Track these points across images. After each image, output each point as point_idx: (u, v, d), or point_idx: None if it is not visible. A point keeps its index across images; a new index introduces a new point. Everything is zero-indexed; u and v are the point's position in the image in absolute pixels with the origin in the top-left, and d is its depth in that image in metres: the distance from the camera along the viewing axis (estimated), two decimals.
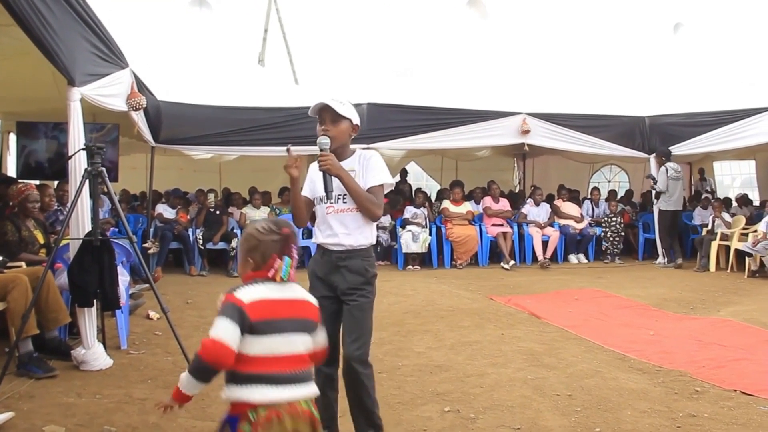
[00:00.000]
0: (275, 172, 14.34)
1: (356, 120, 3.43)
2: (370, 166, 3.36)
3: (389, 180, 3.38)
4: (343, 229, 3.34)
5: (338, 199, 3.34)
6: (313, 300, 2.52)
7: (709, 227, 11.35)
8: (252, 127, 10.15)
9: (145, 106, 7.49)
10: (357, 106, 10.50)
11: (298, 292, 2.45)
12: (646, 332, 6.24)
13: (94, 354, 4.91)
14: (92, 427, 3.75)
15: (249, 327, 2.25)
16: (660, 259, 11.41)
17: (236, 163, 13.60)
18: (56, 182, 8.49)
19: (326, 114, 3.35)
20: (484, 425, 3.83)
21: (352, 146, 3.46)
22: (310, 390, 2.34)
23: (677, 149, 11.49)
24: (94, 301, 4.95)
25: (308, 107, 3.50)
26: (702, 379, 4.69)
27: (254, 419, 2.21)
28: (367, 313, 3.34)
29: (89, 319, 4.95)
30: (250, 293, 2.32)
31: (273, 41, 17.98)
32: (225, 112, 10.08)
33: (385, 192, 3.41)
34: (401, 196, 12.46)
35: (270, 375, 2.26)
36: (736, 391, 4.42)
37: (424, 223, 11.06)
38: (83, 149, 4.86)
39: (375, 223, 3.44)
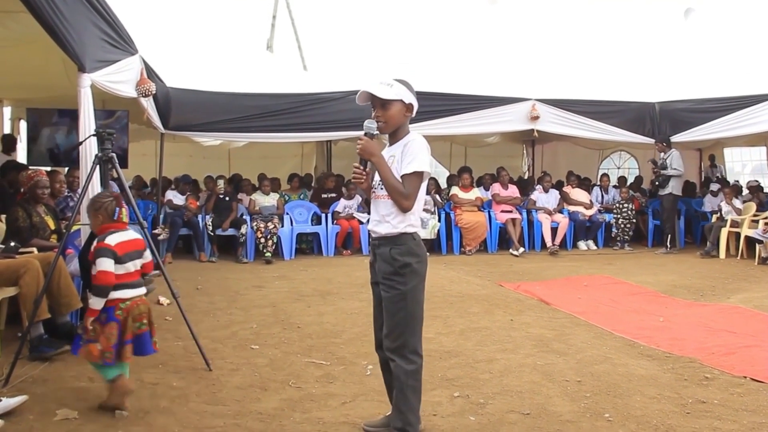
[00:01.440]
0: (284, 158, 14.42)
1: (408, 99, 3.26)
2: (406, 152, 3.19)
3: (422, 168, 3.16)
4: (376, 216, 3.31)
5: (379, 184, 3.28)
6: (140, 235, 4.11)
7: (719, 214, 11.28)
8: (261, 113, 10.15)
9: (154, 92, 7.50)
10: None
11: (133, 234, 3.98)
12: (655, 319, 6.24)
13: None
14: (104, 410, 3.78)
15: (118, 259, 3.76)
16: (664, 248, 11.35)
17: (245, 149, 13.61)
18: (66, 168, 8.52)
19: (375, 99, 3.23)
20: (493, 410, 3.84)
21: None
22: (144, 289, 3.96)
23: (687, 135, 11.45)
24: None
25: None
26: (712, 366, 4.68)
27: (124, 306, 3.75)
28: (397, 306, 3.21)
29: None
30: (113, 239, 3.80)
31: (281, 27, 17.96)
32: (234, 99, 10.08)
33: (425, 180, 3.24)
34: None
35: (129, 283, 3.82)
36: (746, 377, 4.41)
37: (433, 210, 11.05)
38: (94, 135, 4.88)
39: (410, 212, 3.22)
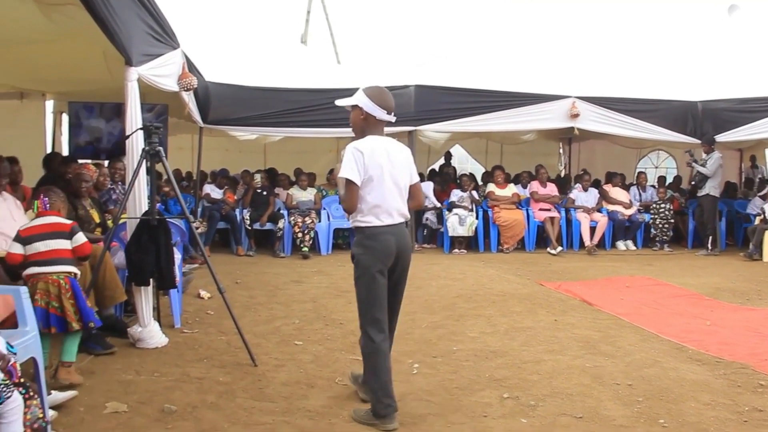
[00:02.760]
0: (319, 153, 14.41)
1: (361, 103, 3.58)
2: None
3: (342, 174, 3.47)
4: None
5: None
6: (66, 221, 4.35)
7: (763, 216, 11.02)
8: (297, 108, 10.15)
9: (195, 86, 7.52)
10: (404, 88, 10.34)
11: (52, 219, 4.29)
12: (701, 322, 6.10)
13: (150, 332, 4.96)
14: (153, 404, 3.78)
15: (23, 240, 4.15)
16: (705, 250, 11.12)
17: (280, 143, 13.64)
18: (107, 162, 8.55)
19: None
20: (545, 413, 3.77)
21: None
22: (58, 269, 4.12)
23: (730, 135, 11.21)
24: (150, 279, 4.98)
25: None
26: (765, 373, 4.54)
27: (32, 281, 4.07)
28: (355, 289, 3.64)
29: (145, 298, 5.00)
30: (24, 225, 4.27)
31: (315, 22, 17.97)
32: (271, 94, 10.10)
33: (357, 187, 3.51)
34: (446, 178, 12.41)
35: (36, 260, 4.12)
36: None
37: (470, 207, 10.96)
38: (141, 129, 4.89)
39: (358, 208, 3.53)
